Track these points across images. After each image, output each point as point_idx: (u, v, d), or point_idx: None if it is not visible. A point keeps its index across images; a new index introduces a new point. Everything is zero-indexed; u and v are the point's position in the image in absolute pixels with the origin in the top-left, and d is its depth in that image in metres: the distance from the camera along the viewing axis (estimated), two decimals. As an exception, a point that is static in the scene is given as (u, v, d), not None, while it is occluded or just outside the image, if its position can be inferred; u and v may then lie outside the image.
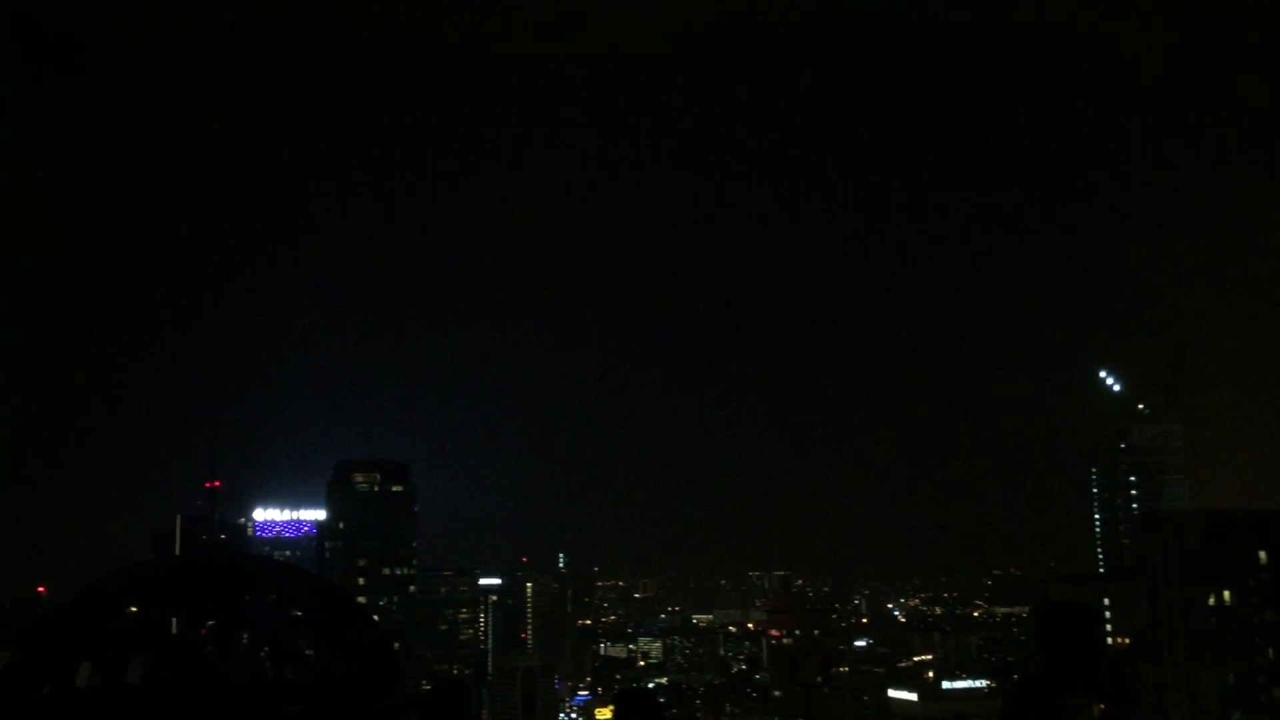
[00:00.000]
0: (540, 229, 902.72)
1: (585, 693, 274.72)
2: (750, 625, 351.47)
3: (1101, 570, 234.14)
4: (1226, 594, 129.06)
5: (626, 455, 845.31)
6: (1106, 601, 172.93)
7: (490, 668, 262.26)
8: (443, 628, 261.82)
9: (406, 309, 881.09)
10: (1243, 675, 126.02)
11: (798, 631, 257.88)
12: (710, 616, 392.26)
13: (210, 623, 13.55)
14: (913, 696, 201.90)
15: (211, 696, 12.46)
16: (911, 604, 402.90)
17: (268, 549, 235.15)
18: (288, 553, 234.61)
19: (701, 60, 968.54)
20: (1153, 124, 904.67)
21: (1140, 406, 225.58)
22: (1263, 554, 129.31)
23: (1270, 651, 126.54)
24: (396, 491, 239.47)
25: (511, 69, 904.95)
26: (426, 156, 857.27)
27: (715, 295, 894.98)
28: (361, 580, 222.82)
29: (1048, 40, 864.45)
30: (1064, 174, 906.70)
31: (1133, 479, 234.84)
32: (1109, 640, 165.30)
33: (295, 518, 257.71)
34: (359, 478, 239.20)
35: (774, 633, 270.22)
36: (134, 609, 13.95)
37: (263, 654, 13.66)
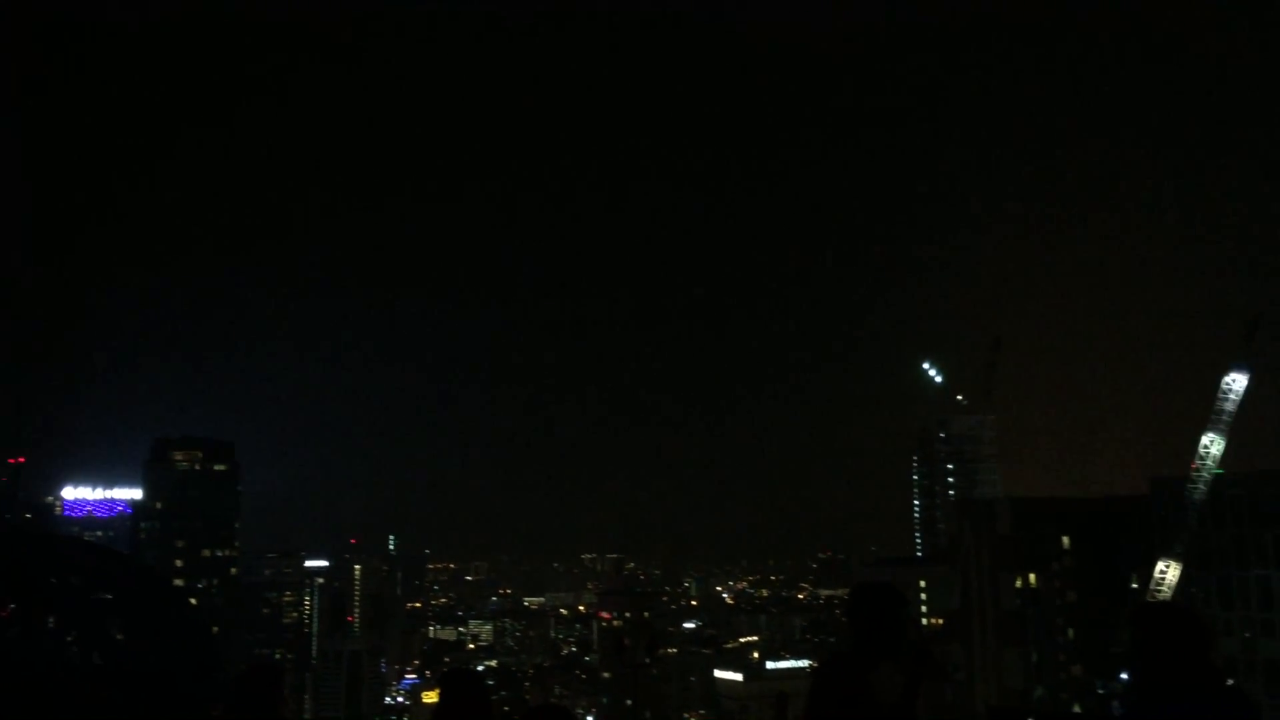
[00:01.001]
0: (358, 211, 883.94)
1: (413, 676, 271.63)
2: (581, 608, 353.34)
3: (919, 554, 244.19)
4: (1032, 577, 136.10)
5: (459, 438, 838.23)
6: (923, 584, 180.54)
7: (314, 651, 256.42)
8: (265, 611, 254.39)
9: (231, 285, 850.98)
10: (1044, 653, 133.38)
11: (628, 614, 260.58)
12: (542, 599, 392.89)
13: (12, 606, 12.87)
14: (738, 676, 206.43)
15: (13, 682, 11.85)
16: (739, 587, 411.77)
17: (77, 529, 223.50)
18: (99, 533, 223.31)
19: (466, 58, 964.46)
20: (976, 127, 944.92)
21: (959, 398, 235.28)
22: (1066, 539, 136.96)
23: (1070, 631, 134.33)
24: (219, 470, 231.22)
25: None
26: (240, 129, 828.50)
27: (543, 280, 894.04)
28: (179, 562, 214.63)
29: (857, 41, 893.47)
30: (890, 173, 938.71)
31: (950, 467, 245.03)
32: (924, 620, 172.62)
33: (108, 497, 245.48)
34: (179, 456, 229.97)
35: (605, 615, 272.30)
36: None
37: (70, 639, 13.06)
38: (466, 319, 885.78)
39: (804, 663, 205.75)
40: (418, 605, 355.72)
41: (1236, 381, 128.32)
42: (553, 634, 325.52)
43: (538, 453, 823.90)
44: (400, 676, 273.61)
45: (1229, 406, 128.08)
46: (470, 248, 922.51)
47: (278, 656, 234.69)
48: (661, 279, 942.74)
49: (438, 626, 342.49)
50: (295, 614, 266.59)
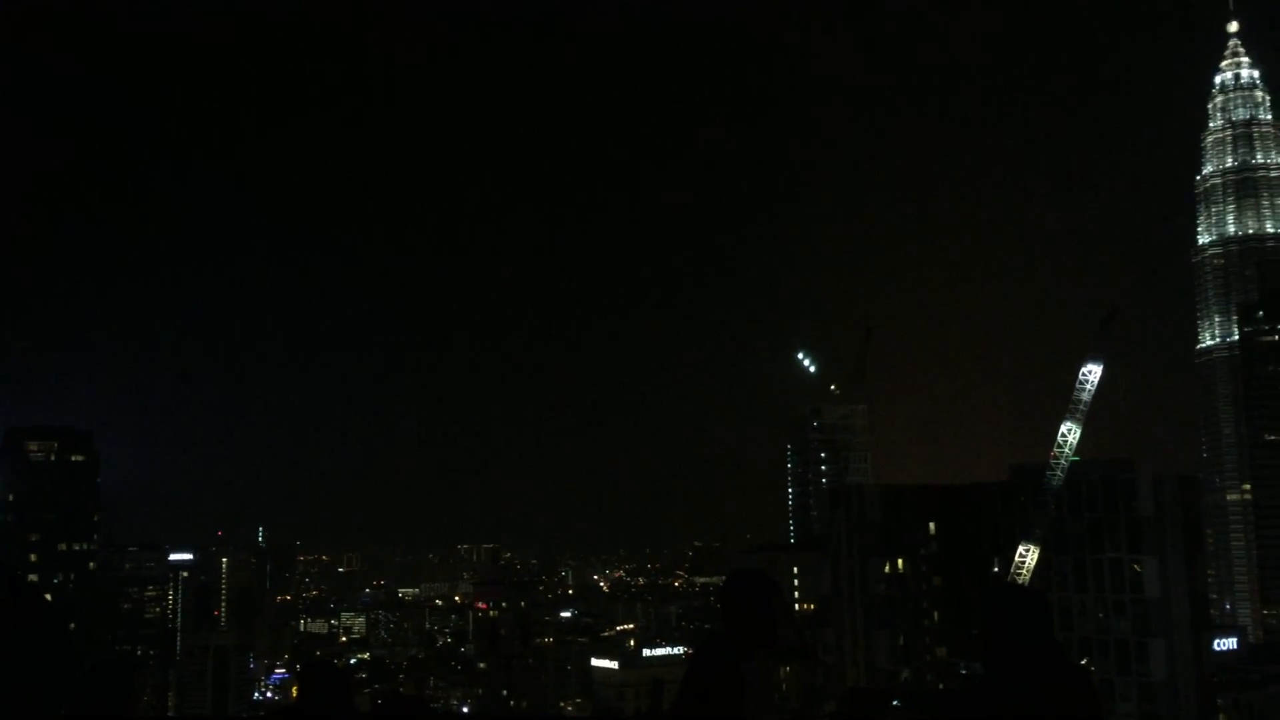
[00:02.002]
0: (207, 190, 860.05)
1: (283, 671, 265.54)
2: (458, 598, 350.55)
3: (793, 540, 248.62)
4: (900, 562, 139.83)
5: (330, 426, 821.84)
6: (795, 570, 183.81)
7: (179, 648, 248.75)
8: (126, 607, 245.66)
9: (91, 269, 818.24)
10: (911, 636, 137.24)
11: (504, 603, 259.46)
12: (417, 590, 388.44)
13: None
14: (614, 665, 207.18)
15: None
16: (616, 575, 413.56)
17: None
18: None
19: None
20: (849, 119, 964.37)
21: (832, 387, 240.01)
22: (932, 525, 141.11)
23: (935, 614, 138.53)
24: (76, 461, 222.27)
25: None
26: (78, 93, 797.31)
27: (416, 266, 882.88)
28: (34, 557, 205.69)
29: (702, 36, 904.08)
30: (764, 166, 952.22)
31: (823, 455, 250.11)
32: (797, 606, 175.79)
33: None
34: (33, 446, 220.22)
35: (481, 605, 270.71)
36: None
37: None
38: (335, 303, 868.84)
39: (680, 650, 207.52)
40: (288, 598, 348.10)
41: (1093, 372, 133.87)
42: (428, 625, 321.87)
43: (412, 442, 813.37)
44: (269, 672, 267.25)
45: (1085, 396, 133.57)
46: (334, 230, 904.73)
47: (139, 654, 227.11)
48: (537, 268, 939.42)
49: (309, 620, 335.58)
50: (158, 610, 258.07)
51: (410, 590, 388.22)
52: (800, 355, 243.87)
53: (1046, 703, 6.10)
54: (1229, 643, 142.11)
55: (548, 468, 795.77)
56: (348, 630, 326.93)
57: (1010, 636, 6.31)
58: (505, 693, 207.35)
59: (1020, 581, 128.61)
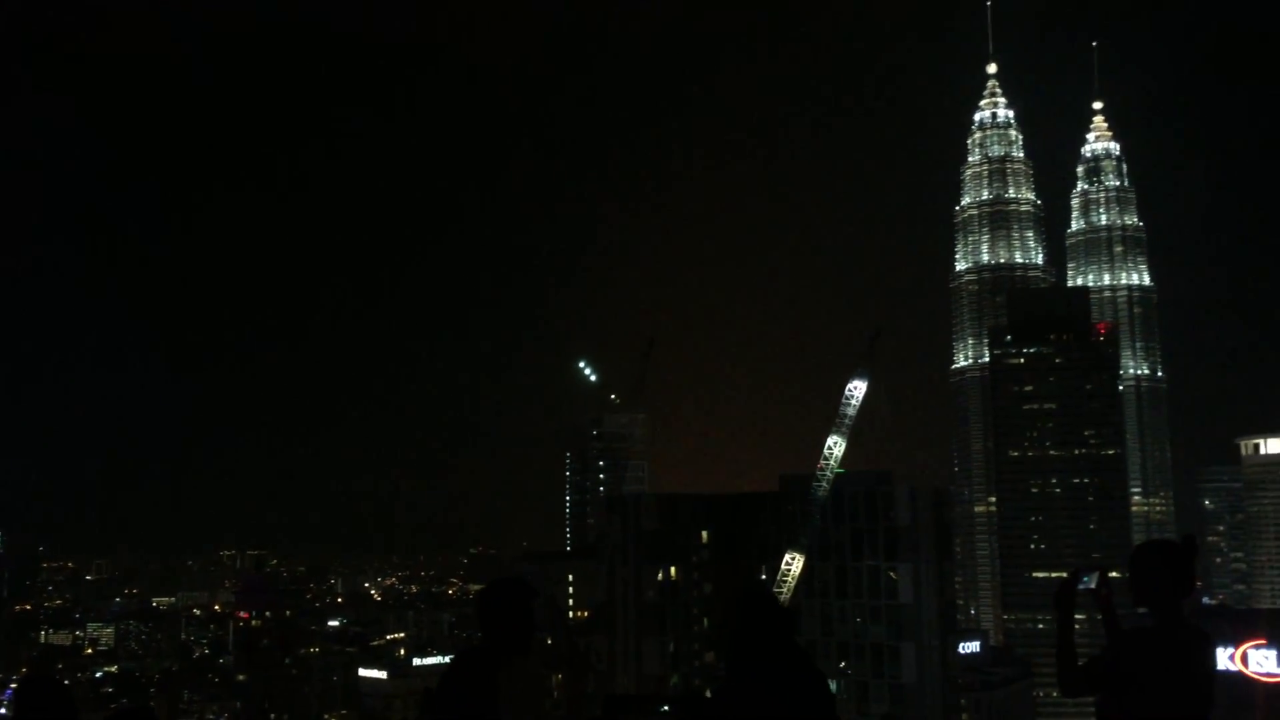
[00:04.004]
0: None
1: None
2: (217, 607, 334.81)
3: (569, 548, 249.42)
4: (673, 570, 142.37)
5: (84, 422, 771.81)
6: (571, 578, 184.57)
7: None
8: None
9: None
10: (682, 642, 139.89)
11: (268, 613, 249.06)
12: (173, 599, 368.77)
13: None
14: (383, 675, 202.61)
15: None
16: (388, 583, 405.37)
17: None
18: None
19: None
20: (635, 129, 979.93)
21: (613, 396, 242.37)
22: (705, 533, 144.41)
23: (705, 620, 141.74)
24: None
25: None
26: None
27: (164, 265, 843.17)
28: None
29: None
30: (550, 178, 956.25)
31: (601, 463, 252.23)
32: (571, 613, 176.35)
33: None
34: None
35: (242, 614, 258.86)
36: None
37: None
38: (70, 299, 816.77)
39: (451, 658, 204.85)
40: (27, 607, 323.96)
41: (858, 388, 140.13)
42: (184, 636, 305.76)
43: (176, 441, 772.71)
44: (4, 687, 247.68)
45: (851, 411, 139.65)
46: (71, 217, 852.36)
47: None
48: (307, 269, 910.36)
49: (50, 630, 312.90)
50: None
51: (166, 599, 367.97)
52: (581, 364, 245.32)
53: (782, 702, 6.41)
54: (973, 646, 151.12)
55: (321, 473, 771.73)
56: (94, 642, 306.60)
57: (750, 639, 6.61)
58: (266, 706, 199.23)
59: (785, 588, 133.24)
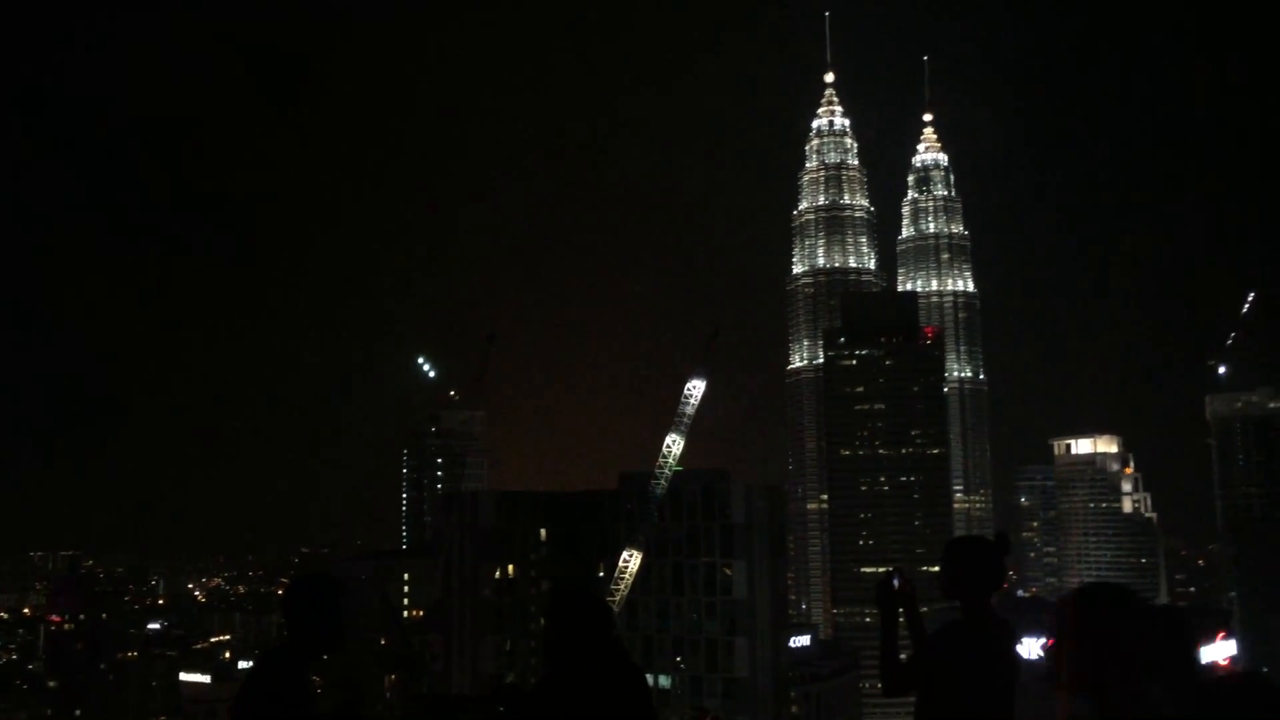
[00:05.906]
0: None
1: None
2: (27, 610, 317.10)
3: (405, 546, 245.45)
4: (511, 568, 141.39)
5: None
6: (406, 576, 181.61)
7: None
8: None
9: None
10: (518, 641, 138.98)
11: (82, 616, 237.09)
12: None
13: None
14: (205, 679, 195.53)
15: None
16: (213, 584, 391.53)
17: None
18: None
19: None
20: (479, 122, 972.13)
21: (452, 393, 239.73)
22: (543, 531, 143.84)
23: (542, 620, 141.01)
24: None
25: None
26: None
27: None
28: None
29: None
30: (391, 167, 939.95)
31: (440, 460, 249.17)
32: (406, 613, 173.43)
33: None
34: None
35: (55, 618, 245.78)
36: None
37: None
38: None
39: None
40: None
41: (696, 387, 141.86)
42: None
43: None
44: None
45: (689, 410, 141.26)
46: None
47: None
48: (131, 262, 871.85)
49: None
50: None
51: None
52: (420, 360, 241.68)
53: (598, 700, 6.47)
54: (804, 640, 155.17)
55: (144, 471, 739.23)
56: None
57: (565, 639, 6.74)
58: (78, 713, 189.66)
59: (622, 585, 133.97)
